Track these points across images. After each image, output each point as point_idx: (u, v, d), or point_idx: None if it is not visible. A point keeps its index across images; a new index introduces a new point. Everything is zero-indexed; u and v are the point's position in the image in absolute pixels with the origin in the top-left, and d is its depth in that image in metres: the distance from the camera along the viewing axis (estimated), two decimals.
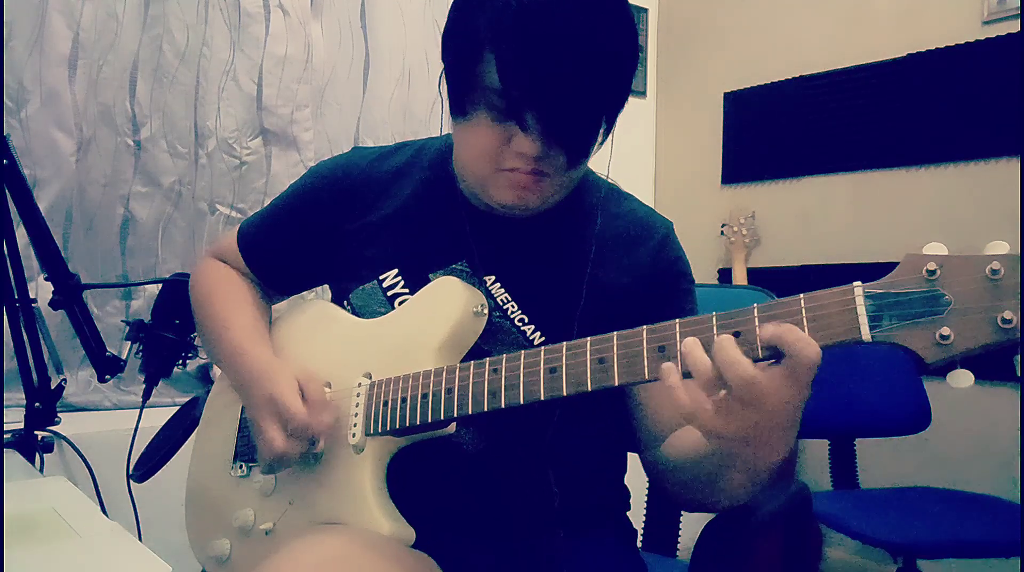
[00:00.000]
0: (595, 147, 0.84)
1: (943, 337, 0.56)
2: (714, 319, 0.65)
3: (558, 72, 0.74)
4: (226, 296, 1.02)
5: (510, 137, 0.79)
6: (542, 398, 0.73)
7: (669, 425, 0.88)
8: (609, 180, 0.98)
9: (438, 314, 0.86)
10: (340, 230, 0.97)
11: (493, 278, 0.91)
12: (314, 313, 1.00)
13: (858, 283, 0.60)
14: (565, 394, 0.72)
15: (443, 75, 0.84)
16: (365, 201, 0.96)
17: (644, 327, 0.69)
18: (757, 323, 0.63)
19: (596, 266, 0.91)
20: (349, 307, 0.96)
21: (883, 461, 2.27)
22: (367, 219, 0.96)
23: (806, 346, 0.60)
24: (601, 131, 0.83)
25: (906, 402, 2.01)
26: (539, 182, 0.83)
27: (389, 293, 0.93)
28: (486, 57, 0.76)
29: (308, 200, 1.00)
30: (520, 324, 0.89)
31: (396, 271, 0.93)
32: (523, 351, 0.76)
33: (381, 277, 0.93)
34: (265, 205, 1.09)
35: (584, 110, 0.78)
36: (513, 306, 0.90)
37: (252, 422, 0.88)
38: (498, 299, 0.90)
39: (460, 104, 0.82)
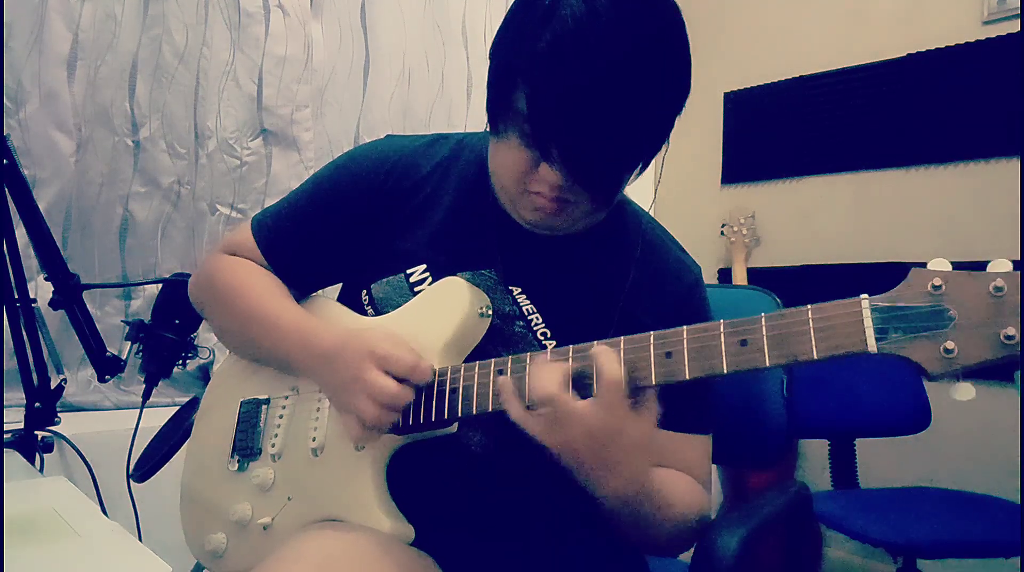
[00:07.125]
0: (622, 190, 0.84)
1: (947, 350, 0.58)
2: (721, 327, 0.67)
3: (585, 116, 0.72)
4: (261, 287, 0.95)
5: (538, 162, 0.79)
6: None
7: None
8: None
9: (443, 314, 0.86)
10: (373, 218, 0.94)
11: (519, 289, 0.90)
12: (317, 312, 0.99)
13: (865, 296, 0.61)
14: None
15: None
16: (401, 191, 0.94)
17: (651, 333, 0.70)
18: (764, 333, 0.65)
19: (630, 296, 0.90)
20: (368, 297, 0.94)
21: (883, 461, 2.27)
22: (403, 210, 0.94)
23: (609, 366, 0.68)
24: (636, 171, 0.83)
25: (906, 402, 2.01)
26: (563, 208, 0.82)
27: (416, 289, 0.91)
28: (519, 83, 0.76)
29: (344, 187, 0.95)
30: (543, 338, 0.89)
31: (424, 267, 0.92)
32: (529, 353, 0.76)
33: (409, 271, 0.92)
34: (267, 205, 1.07)
35: (610, 156, 0.77)
36: (537, 318, 0.89)
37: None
38: (524, 309, 0.90)
39: (494, 122, 0.82)
